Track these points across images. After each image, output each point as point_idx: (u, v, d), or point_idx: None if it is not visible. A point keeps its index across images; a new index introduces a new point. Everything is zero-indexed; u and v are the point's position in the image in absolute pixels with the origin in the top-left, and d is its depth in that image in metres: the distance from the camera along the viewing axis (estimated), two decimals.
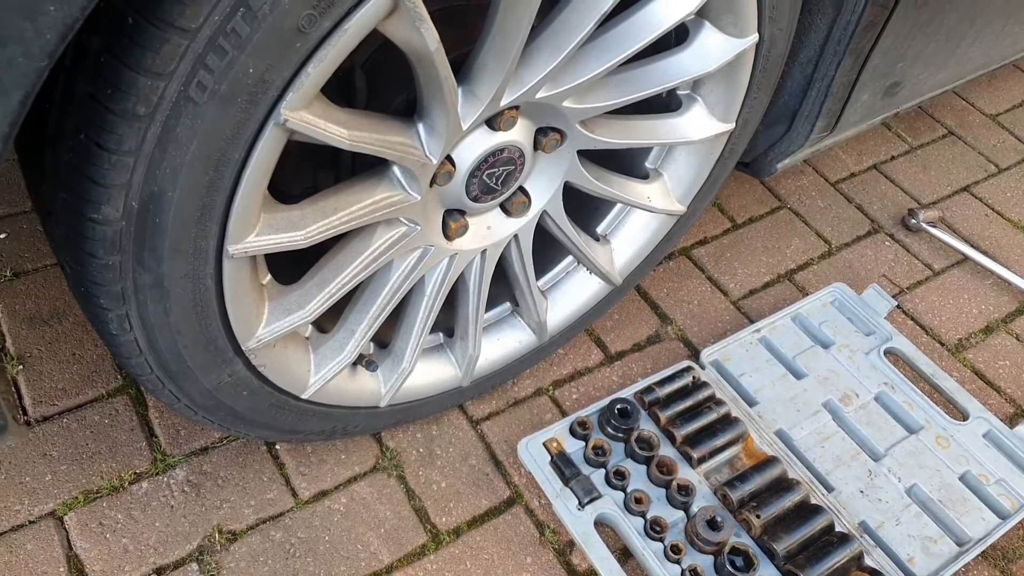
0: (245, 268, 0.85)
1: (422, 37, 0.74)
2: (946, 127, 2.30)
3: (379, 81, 0.98)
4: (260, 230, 0.82)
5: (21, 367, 1.33)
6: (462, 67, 0.92)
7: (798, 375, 1.58)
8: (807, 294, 1.78)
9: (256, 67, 0.66)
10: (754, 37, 1.07)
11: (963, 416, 1.55)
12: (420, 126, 0.93)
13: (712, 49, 1.07)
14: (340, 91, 0.95)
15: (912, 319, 1.77)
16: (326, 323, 1.08)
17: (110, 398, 1.32)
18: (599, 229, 1.38)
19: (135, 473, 1.24)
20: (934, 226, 1.94)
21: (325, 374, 1.06)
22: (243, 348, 0.92)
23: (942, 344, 1.74)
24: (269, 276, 0.95)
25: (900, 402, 1.55)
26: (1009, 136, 2.30)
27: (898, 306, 1.77)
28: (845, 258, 1.89)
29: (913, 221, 1.95)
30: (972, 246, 1.93)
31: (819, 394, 1.55)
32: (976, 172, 2.17)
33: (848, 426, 1.52)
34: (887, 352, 1.63)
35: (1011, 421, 1.62)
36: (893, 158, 2.17)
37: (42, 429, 1.27)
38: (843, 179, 2.09)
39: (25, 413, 1.28)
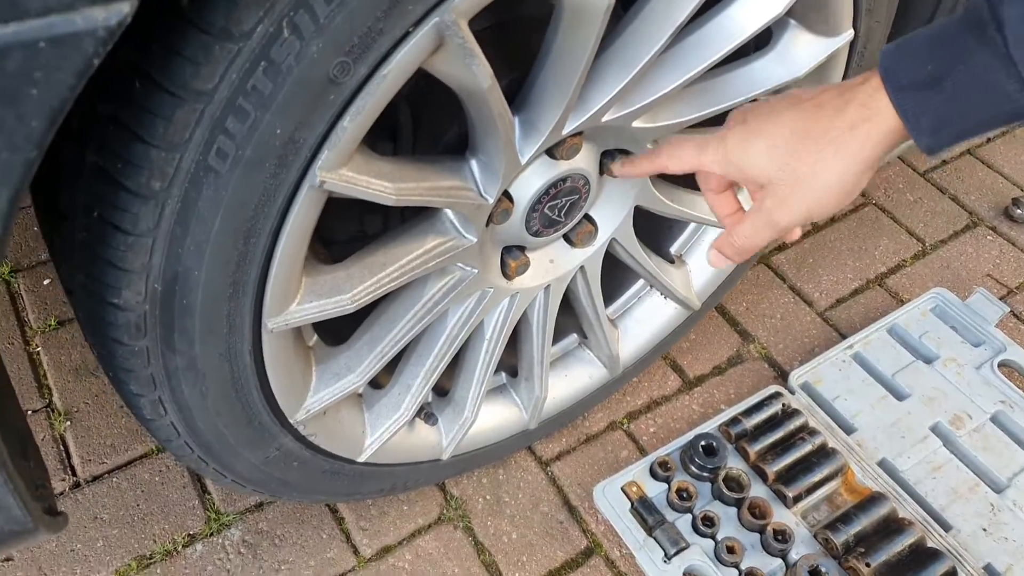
0: (288, 338, 0.77)
1: (472, 74, 0.64)
2: None
3: (426, 114, 0.88)
4: (301, 298, 0.73)
5: (68, 423, 1.28)
6: (517, 94, 0.81)
7: (900, 396, 1.42)
8: (902, 301, 1.62)
9: (284, 127, 0.57)
10: (849, 34, 0.93)
11: None
12: (473, 163, 0.83)
13: (800, 52, 0.93)
14: (382, 129, 0.85)
15: None
16: (380, 377, 0.99)
17: (160, 453, 1.26)
18: (673, 249, 1.26)
19: (189, 535, 1.18)
20: None
21: (381, 435, 0.97)
22: (291, 421, 0.83)
23: None
24: (316, 337, 0.86)
25: (1021, 423, 1.39)
26: None
27: (1011, 311, 1.59)
28: (942, 257, 1.71)
29: (1019, 211, 1.76)
30: None
31: (926, 417, 1.39)
32: None
33: (962, 453, 1.36)
34: (1001, 365, 1.46)
35: None
36: (989, 140, 1.97)
37: (92, 490, 1.21)
38: (934, 168, 1.90)
39: (75, 473, 1.23)
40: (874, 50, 1.02)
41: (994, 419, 1.39)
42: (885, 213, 1.79)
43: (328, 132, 0.59)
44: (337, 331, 0.91)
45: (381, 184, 0.68)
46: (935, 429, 1.38)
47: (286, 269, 0.67)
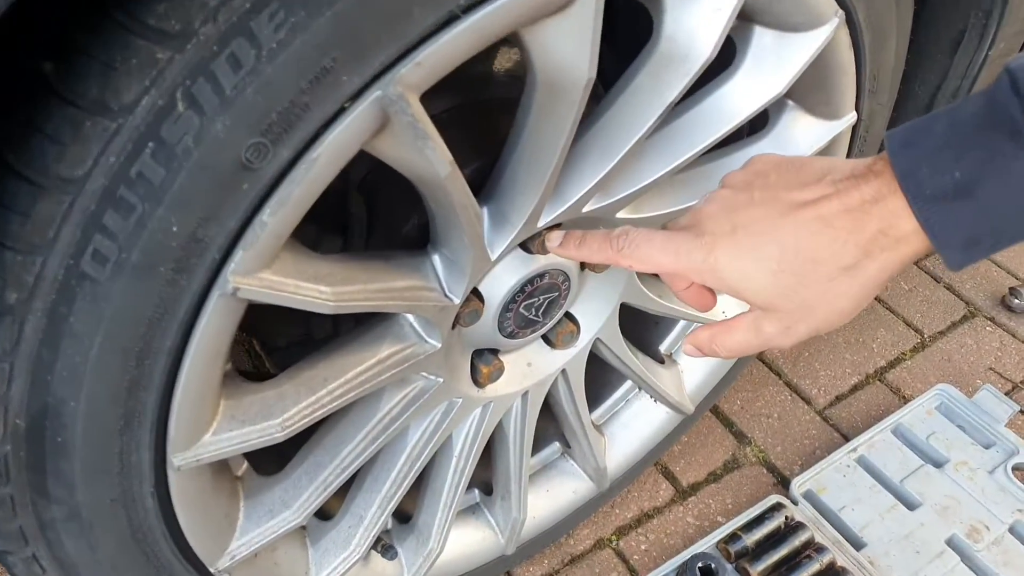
0: (204, 473, 0.63)
1: (427, 159, 0.53)
2: None
3: (381, 203, 0.77)
4: (219, 426, 0.59)
5: None
6: (486, 182, 0.71)
7: (911, 505, 1.29)
8: (903, 397, 1.51)
9: (183, 223, 0.45)
10: (852, 116, 0.85)
11: None
12: (436, 259, 0.71)
13: (799, 135, 0.84)
14: (327, 221, 0.74)
15: None
16: (329, 505, 0.85)
17: None
18: (663, 348, 1.14)
19: None
20: None
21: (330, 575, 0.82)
22: (211, 570, 0.68)
23: None
24: (246, 465, 0.72)
25: None
26: None
27: (1021, 410, 1.48)
28: (942, 350, 1.61)
29: (1016, 301, 1.68)
30: None
31: (940, 529, 1.26)
32: None
33: (982, 570, 1.22)
34: (1016, 469, 1.34)
35: None
36: None
37: None
38: (927, 255, 1.82)
39: None
40: (877, 133, 0.94)
41: (1012, 530, 1.26)
42: (881, 303, 1.70)
43: (243, 229, 0.48)
44: (279, 454, 0.77)
45: (316, 288, 0.56)
46: (951, 543, 1.25)
47: (195, 393, 0.54)
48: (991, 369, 1.58)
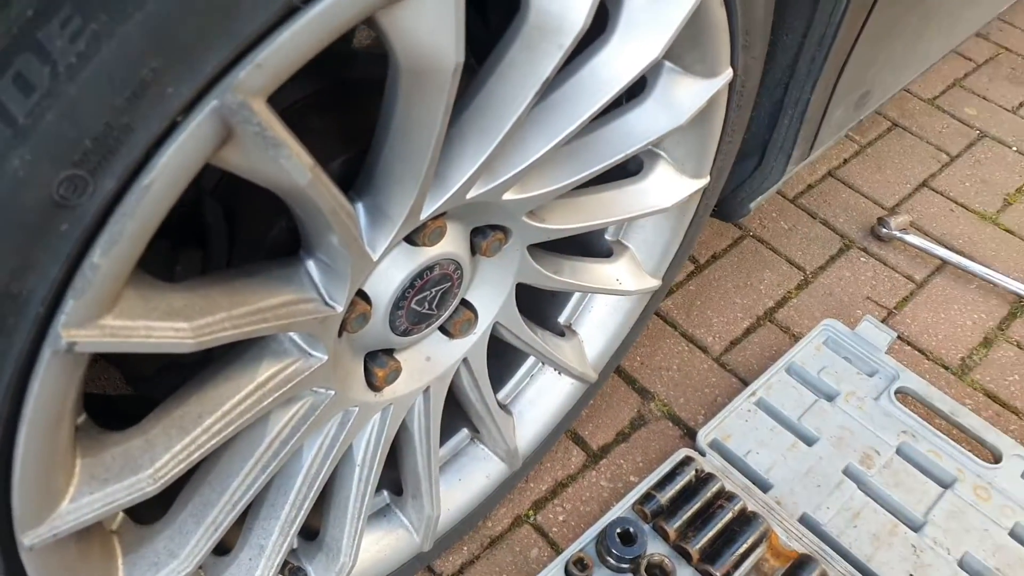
0: (65, 543, 0.55)
1: (282, 169, 0.46)
2: (889, 119, 2.15)
3: (241, 207, 0.69)
4: (77, 490, 0.52)
5: None
6: (358, 176, 0.65)
7: (809, 441, 1.35)
8: (793, 335, 1.57)
9: None
10: (728, 73, 0.83)
11: (995, 457, 1.35)
12: (310, 265, 0.65)
13: (680, 95, 0.82)
14: (183, 234, 0.66)
15: (910, 345, 1.58)
16: (225, 538, 0.78)
17: None
18: (561, 319, 1.12)
19: None
20: (906, 233, 1.76)
21: None
22: None
23: (946, 368, 1.55)
24: (121, 516, 0.65)
25: (925, 452, 1.34)
26: (951, 119, 2.16)
27: (899, 336, 1.56)
28: (824, 284, 1.68)
29: (884, 231, 1.77)
30: (948, 248, 1.76)
31: (837, 460, 1.32)
32: (930, 164, 2.02)
33: (877, 493, 1.29)
34: (898, 393, 1.42)
35: None
36: (846, 161, 1.99)
37: None
38: (801, 193, 1.89)
39: None
40: (753, 86, 0.93)
41: (900, 451, 1.35)
42: (764, 244, 1.75)
43: (70, 275, 0.40)
44: (160, 496, 0.70)
45: (171, 327, 0.48)
46: (848, 472, 1.31)
47: (40, 462, 0.47)
48: (868, 298, 1.67)
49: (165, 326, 0.48)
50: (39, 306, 0.40)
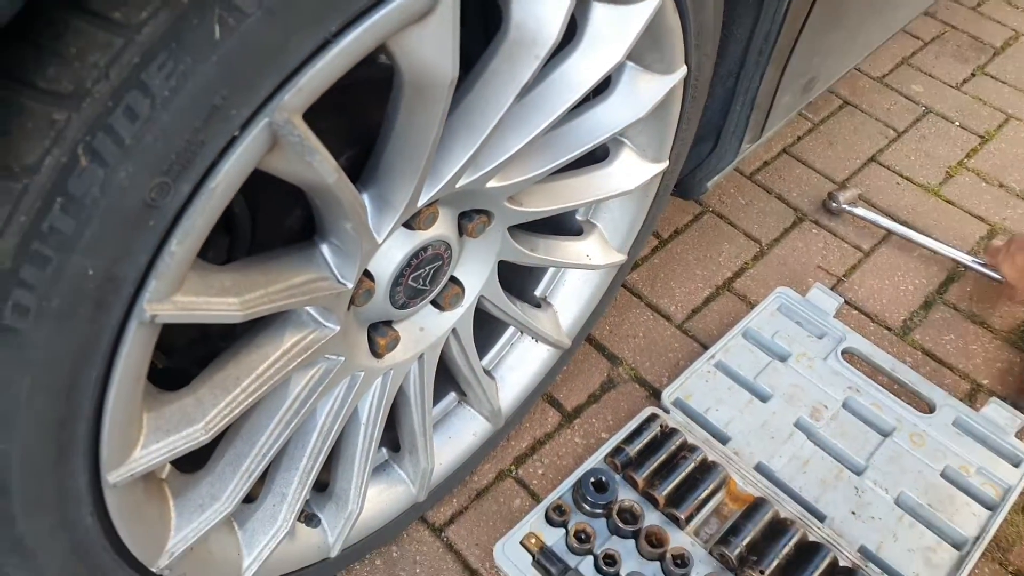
0: (136, 484, 0.66)
1: (315, 171, 0.57)
2: (840, 97, 2.28)
3: (263, 199, 0.79)
4: (146, 440, 0.62)
5: None
6: (364, 169, 0.75)
7: (764, 397, 1.48)
8: (749, 303, 1.70)
9: (98, 266, 0.48)
10: (683, 70, 0.95)
11: (930, 407, 1.50)
12: (324, 249, 0.76)
13: (641, 91, 0.93)
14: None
15: (857, 309, 1.72)
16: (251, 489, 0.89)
17: None
18: (537, 292, 1.24)
19: None
20: (855, 206, 1.90)
21: (260, 553, 0.87)
22: (153, 570, 0.72)
23: (890, 330, 1.69)
24: (169, 468, 0.75)
25: (868, 405, 1.49)
26: (899, 97, 2.30)
27: (846, 301, 1.71)
28: (778, 255, 1.82)
29: (834, 204, 1.90)
30: (893, 219, 1.91)
31: (789, 414, 1.46)
32: (878, 140, 2.15)
33: (824, 443, 1.44)
34: (844, 353, 1.56)
35: (970, 398, 1.59)
36: (799, 139, 2.12)
37: None
38: (758, 170, 2.02)
39: None
40: (705, 79, 1.04)
41: (846, 405, 1.48)
42: (722, 219, 1.88)
43: (152, 261, 0.51)
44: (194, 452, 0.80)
45: (225, 301, 0.59)
46: (798, 424, 1.45)
47: (122, 416, 0.57)
48: (819, 267, 1.80)
49: (220, 301, 0.59)
50: (130, 287, 0.50)
